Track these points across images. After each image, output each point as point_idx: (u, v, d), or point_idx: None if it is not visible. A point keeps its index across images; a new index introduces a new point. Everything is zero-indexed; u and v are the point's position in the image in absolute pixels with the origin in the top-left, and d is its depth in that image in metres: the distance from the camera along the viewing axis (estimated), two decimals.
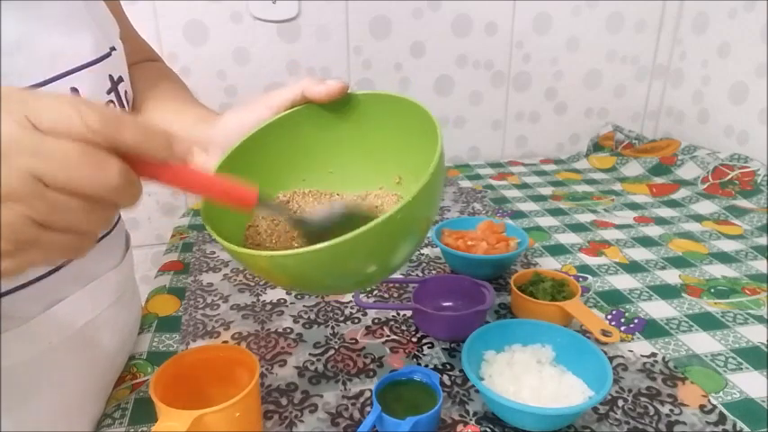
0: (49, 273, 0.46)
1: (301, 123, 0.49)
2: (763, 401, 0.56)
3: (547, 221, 1.00)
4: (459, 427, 0.53)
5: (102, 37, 0.48)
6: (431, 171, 0.38)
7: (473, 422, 0.54)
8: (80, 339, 0.51)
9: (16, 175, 0.25)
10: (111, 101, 0.48)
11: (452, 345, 0.65)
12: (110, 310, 0.55)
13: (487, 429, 0.53)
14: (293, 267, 0.37)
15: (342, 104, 0.49)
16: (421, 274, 0.81)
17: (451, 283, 0.72)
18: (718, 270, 0.82)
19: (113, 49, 0.49)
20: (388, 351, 0.64)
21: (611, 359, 0.62)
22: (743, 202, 1.04)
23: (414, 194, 0.36)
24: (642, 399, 0.57)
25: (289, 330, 0.68)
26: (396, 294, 0.76)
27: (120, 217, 0.58)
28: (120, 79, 0.50)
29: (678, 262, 0.85)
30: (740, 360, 0.62)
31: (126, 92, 0.51)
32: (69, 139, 0.26)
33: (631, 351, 0.64)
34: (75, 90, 0.43)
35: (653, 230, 0.96)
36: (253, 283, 0.79)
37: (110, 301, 0.55)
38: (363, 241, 0.35)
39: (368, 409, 0.56)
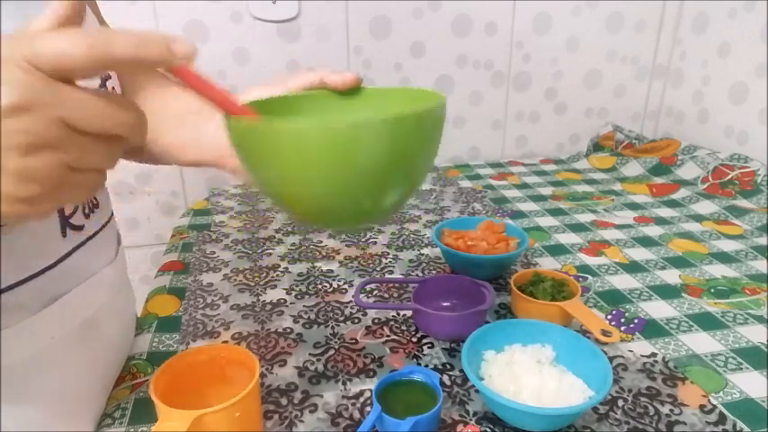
0: (48, 268, 0.46)
1: (317, 102, 0.51)
2: (763, 401, 0.56)
3: (547, 221, 1.00)
4: (459, 427, 0.53)
5: None
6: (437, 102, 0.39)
7: (473, 422, 0.54)
8: (80, 334, 0.52)
9: (48, 124, 0.27)
10: (113, 87, 0.50)
11: (452, 345, 0.65)
12: (108, 305, 0.56)
13: (487, 429, 0.53)
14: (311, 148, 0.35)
15: (354, 95, 0.51)
16: (421, 274, 0.81)
17: (451, 283, 0.72)
18: (718, 270, 0.82)
19: None
20: (388, 351, 0.64)
21: (611, 359, 0.62)
22: (743, 202, 1.04)
23: (426, 108, 0.37)
24: (642, 399, 0.57)
25: (289, 330, 0.68)
26: (396, 294, 0.76)
27: (112, 213, 0.58)
28: (108, 76, 0.51)
29: (678, 262, 0.85)
30: (740, 360, 0.62)
31: (113, 88, 0.52)
32: (88, 90, 0.28)
33: (631, 351, 0.64)
34: None
35: (653, 230, 0.96)
36: (253, 284, 0.79)
37: (107, 296, 0.56)
38: (379, 131, 0.35)
39: (368, 409, 0.56)
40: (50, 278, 0.46)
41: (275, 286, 0.78)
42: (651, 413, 0.55)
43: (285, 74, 0.52)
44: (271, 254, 0.88)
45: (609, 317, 0.71)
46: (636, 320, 0.70)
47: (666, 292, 0.76)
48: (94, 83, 0.48)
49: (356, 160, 0.36)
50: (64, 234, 0.47)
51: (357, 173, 0.37)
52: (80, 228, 0.49)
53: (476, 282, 0.69)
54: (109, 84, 0.51)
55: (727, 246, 0.90)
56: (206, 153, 0.56)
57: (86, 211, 0.50)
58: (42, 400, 0.48)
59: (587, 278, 0.80)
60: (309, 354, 0.64)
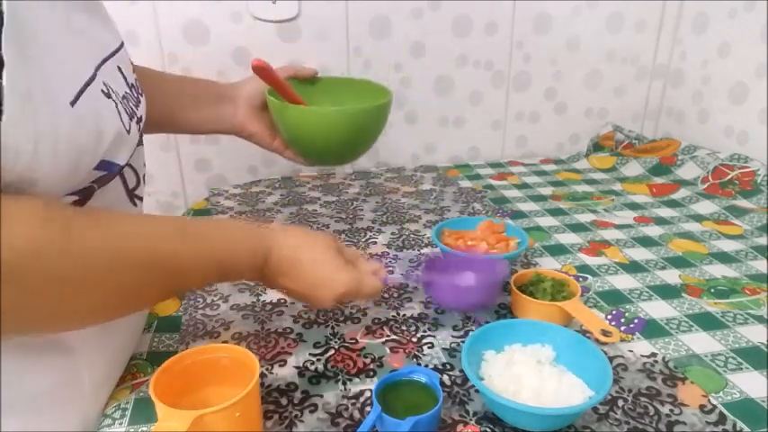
0: None
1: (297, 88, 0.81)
2: (763, 401, 0.56)
3: (547, 221, 1.00)
4: (459, 427, 0.53)
5: (115, 28, 0.59)
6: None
7: (473, 422, 0.54)
8: None
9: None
10: (136, 78, 0.60)
11: (452, 345, 0.65)
12: None
13: (487, 429, 0.53)
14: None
15: (316, 83, 0.86)
16: (421, 275, 0.81)
17: (460, 261, 0.72)
18: (718, 270, 0.82)
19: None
20: (388, 351, 0.64)
21: (611, 359, 0.62)
22: (743, 202, 1.04)
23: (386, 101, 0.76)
24: (642, 399, 0.57)
25: (289, 330, 0.68)
26: (396, 294, 0.76)
27: None
28: (132, 64, 0.61)
29: (678, 262, 0.85)
30: (740, 360, 0.62)
31: (133, 83, 0.60)
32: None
33: (631, 351, 0.64)
34: (119, 68, 0.54)
35: (653, 230, 0.96)
36: (253, 284, 0.79)
37: None
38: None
39: (368, 409, 0.56)
40: None
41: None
42: (651, 413, 0.55)
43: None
44: None
45: (609, 317, 0.71)
46: (636, 320, 0.70)
47: (666, 292, 0.76)
48: (129, 67, 0.59)
49: (350, 127, 0.73)
50: (134, 203, 0.57)
51: (348, 135, 0.73)
52: (141, 198, 0.59)
53: (486, 260, 0.72)
54: (134, 72, 0.61)
55: (727, 246, 0.90)
56: (224, 126, 0.81)
57: (143, 183, 0.60)
58: (118, 329, 0.59)
59: (587, 278, 0.80)
60: (309, 354, 0.64)
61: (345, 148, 0.77)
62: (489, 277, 0.67)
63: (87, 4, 0.52)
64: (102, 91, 0.47)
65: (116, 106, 0.49)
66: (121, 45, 0.58)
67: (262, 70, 0.72)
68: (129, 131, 0.50)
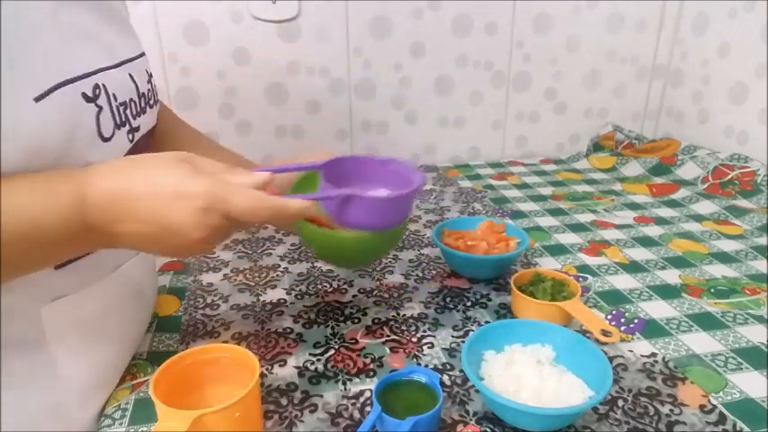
0: None
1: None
2: (763, 401, 0.56)
3: (547, 221, 1.00)
4: (459, 427, 0.53)
5: (138, 40, 0.60)
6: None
7: (473, 422, 0.54)
8: (135, 294, 0.63)
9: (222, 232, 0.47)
10: (150, 89, 0.59)
11: (452, 345, 0.65)
12: (151, 274, 0.69)
13: (487, 429, 0.53)
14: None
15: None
16: (421, 274, 0.81)
17: (358, 165, 0.59)
18: (718, 270, 0.82)
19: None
20: (388, 351, 0.64)
21: (611, 359, 0.62)
22: (743, 202, 1.04)
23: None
24: (642, 399, 0.57)
25: (289, 330, 0.68)
26: (396, 295, 0.76)
27: None
28: (152, 76, 0.61)
29: (678, 262, 0.85)
30: (740, 360, 0.62)
31: (153, 85, 0.61)
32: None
33: (631, 351, 0.64)
34: (131, 76, 0.54)
35: (653, 230, 0.96)
36: (253, 284, 0.79)
37: (150, 267, 0.69)
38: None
39: (368, 409, 0.56)
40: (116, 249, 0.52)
41: (275, 286, 0.78)
42: (651, 413, 0.55)
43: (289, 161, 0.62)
44: (271, 254, 0.88)
45: (609, 317, 0.71)
46: (636, 320, 0.70)
47: (666, 292, 0.76)
48: (145, 77, 0.58)
49: (362, 247, 0.62)
50: None
51: (360, 251, 0.63)
52: None
53: (386, 161, 0.59)
54: (152, 82, 0.61)
55: (727, 246, 0.90)
56: None
57: None
58: (108, 346, 0.57)
59: (587, 278, 0.80)
60: (309, 354, 0.64)
61: (379, 253, 0.72)
62: (407, 184, 0.55)
63: (102, 8, 0.52)
64: (85, 94, 0.46)
65: (98, 112, 0.48)
66: (140, 55, 0.58)
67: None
68: (108, 139, 0.49)
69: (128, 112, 0.53)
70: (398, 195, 0.53)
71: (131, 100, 0.54)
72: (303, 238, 0.65)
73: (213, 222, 0.44)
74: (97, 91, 0.48)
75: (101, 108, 0.48)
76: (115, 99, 0.50)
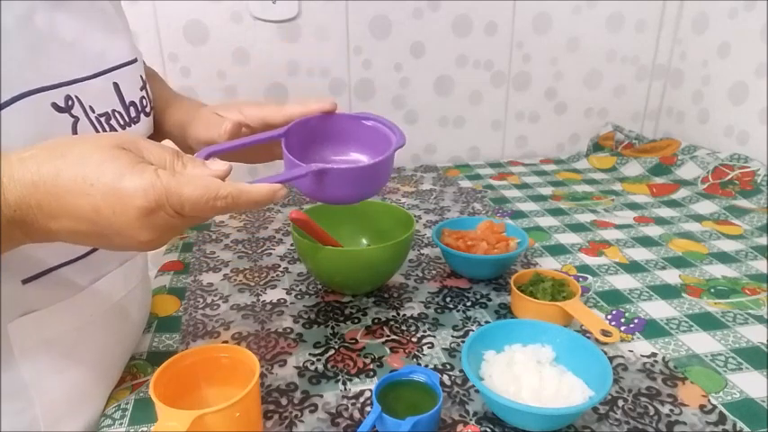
0: (93, 250, 0.52)
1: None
2: (763, 401, 0.56)
3: (547, 221, 1.00)
4: (459, 427, 0.53)
5: (132, 44, 0.57)
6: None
7: (473, 422, 0.54)
8: (115, 313, 0.58)
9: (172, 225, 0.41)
10: (143, 97, 0.56)
11: (452, 345, 0.65)
12: (137, 288, 0.63)
13: (487, 429, 0.53)
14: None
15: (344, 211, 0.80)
16: (421, 274, 0.81)
17: (325, 124, 0.53)
18: (718, 270, 0.82)
19: (140, 54, 0.59)
20: (388, 351, 0.64)
21: (611, 359, 0.62)
22: (743, 202, 1.04)
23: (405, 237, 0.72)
24: (642, 399, 0.57)
25: (289, 330, 0.68)
26: (396, 295, 0.76)
27: None
28: (146, 81, 0.59)
29: (678, 262, 0.85)
30: (740, 360, 0.62)
31: (149, 92, 0.59)
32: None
33: (631, 351, 0.64)
34: (116, 85, 0.52)
35: (653, 230, 0.96)
36: (253, 284, 0.79)
37: (137, 279, 0.63)
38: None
39: (368, 409, 0.56)
40: (95, 259, 0.52)
41: (275, 286, 0.78)
42: (651, 413, 0.55)
43: (276, 104, 0.58)
44: (271, 254, 0.88)
45: (609, 317, 0.71)
46: (636, 320, 0.70)
47: (666, 292, 0.76)
48: (138, 83, 0.56)
49: (366, 263, 0.70)
50: None
51: (363, 269, 0.71)
52: None
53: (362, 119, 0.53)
54: (147, 87, 0.59)
55: (727, 246, 0.90)
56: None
57: None
58: (81, 366, 0.54)
59: (587, 278, 0.80)
60: (309, 354, 0.64)
61: (383, 275, 0.75)
62: (385, 142, 0.51)
63: (91, 10, 0.50)
64: (55, 104, 0.45)
65: (75, 122, 0.46)
66: (132, 61, 0.55)
67: (302, 222, 0.69)
68: None
69: (112, 122, 0.51)
70: (379, 161, 0.47)
71: (114, 111, 0.51)
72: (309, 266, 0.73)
73: (161, 222, 0.39)
74: (70, 102, 0.46)
75: (77, 118, 0.46)
76: (92, 111, 0.48)
